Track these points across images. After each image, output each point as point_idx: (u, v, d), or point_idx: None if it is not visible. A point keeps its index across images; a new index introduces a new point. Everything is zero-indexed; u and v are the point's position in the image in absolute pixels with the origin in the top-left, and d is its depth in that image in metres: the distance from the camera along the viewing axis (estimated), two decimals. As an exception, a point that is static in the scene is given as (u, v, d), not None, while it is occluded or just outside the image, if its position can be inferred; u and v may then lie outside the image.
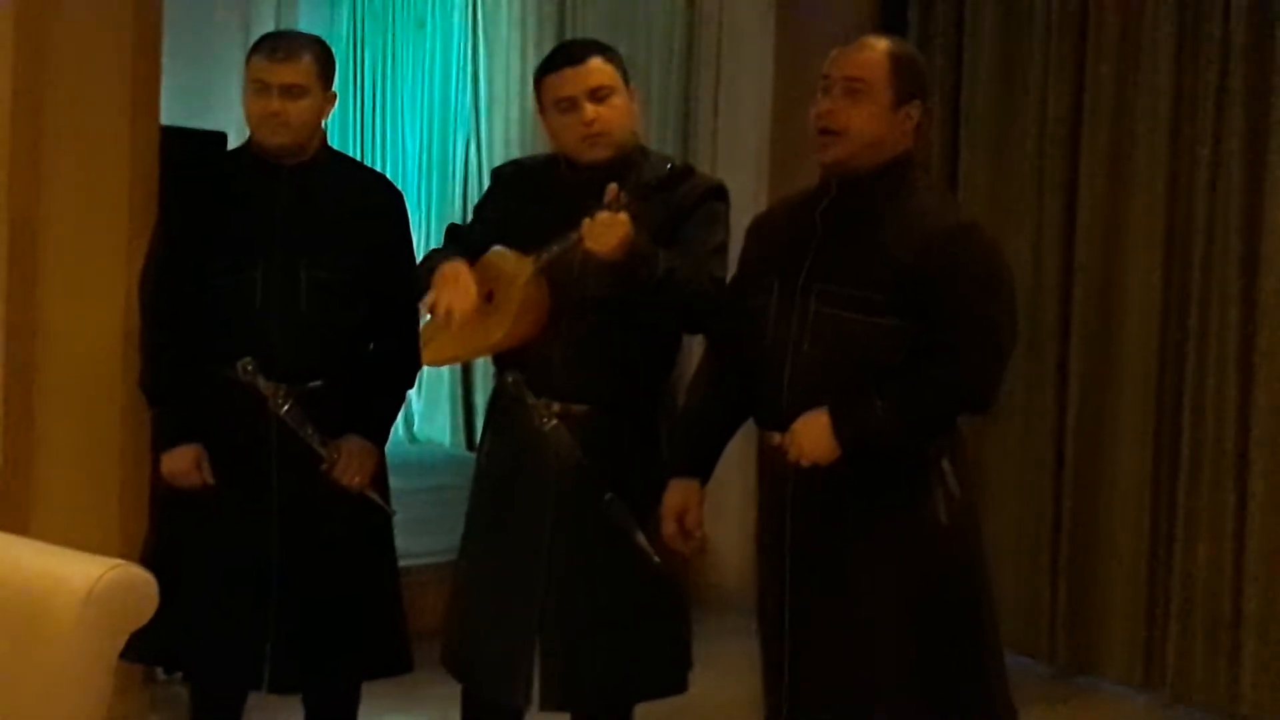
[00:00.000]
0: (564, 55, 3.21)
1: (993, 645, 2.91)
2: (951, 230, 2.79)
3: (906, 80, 2.82)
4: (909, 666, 2.79)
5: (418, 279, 3.20)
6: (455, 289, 3.05)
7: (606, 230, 2.88)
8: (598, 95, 3.11)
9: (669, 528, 3.02)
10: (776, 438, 2.84)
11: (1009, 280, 2.86)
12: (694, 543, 3.04)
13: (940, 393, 2.76)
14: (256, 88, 3.31)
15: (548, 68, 3.19)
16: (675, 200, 3.10)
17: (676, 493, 3.02)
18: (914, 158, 2.89)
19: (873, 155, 2.80)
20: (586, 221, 2.90)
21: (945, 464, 2.79)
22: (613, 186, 2.91)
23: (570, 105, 3.11)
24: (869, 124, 2.79)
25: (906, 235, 2.76)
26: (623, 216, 2.88)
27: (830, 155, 2.83)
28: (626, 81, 3.18)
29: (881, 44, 2.86)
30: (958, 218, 2.86)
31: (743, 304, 2.95)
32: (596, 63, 3.14)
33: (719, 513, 5.43)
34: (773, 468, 2.89)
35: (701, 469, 3.06)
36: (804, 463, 2.76)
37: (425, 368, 3.54)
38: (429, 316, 3.20)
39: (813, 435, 2.75)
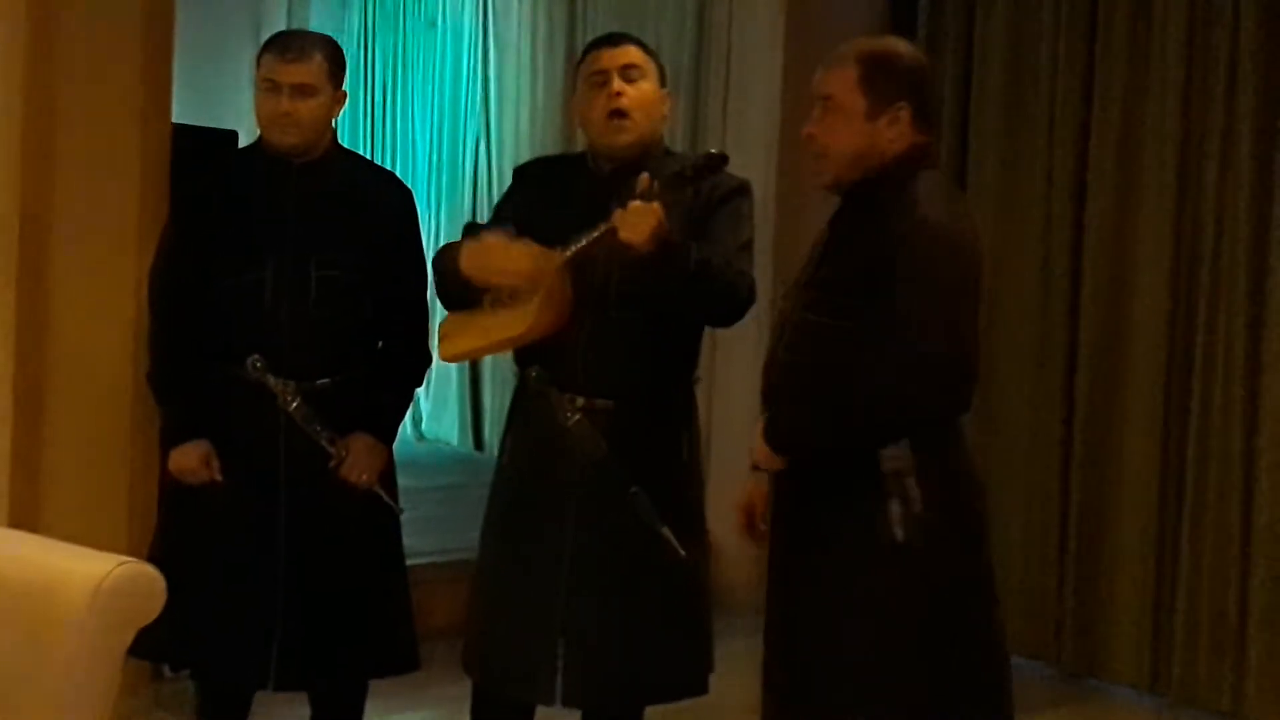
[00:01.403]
0: (607, 38, 3.28)
1: (949, 668, 2.73)
2: (899, 232, 2.66)
3: (881, 85, 2.71)
4: (849, 681, 2.73)
5: (439, 263, 3.17)
6: (506, 257, 3.00)
7: (640, 219, 2.86)
8: (629, 74, 3.14)
9: (739, 519, 3.03)
10: None
11: (958, 285, 2.66)
12: (761, 533, 3.01)
13: (867, 399, 2.66)
14: (267, 87, 3.31)
15: (589, 48, 3.25)
16: (701, 196, 3.10)
17: (750, 485, 3.02)
18: (917, 157, 2.75)
19: (861, 167, 2.73)
20: (619, 211, 2.88)
21: (909, 480, 2.66)
22: (645, 176, 2.89)
23: (601, 79, 3.14)
24: (845, 141, 2.72)
25: (871, 236, 2.70)
26: (655, 206, 2.87)
27: (820, 180, 2.79)
28: (663, 83, 3.21)
29: (853, 52, 2.75)
30: (918, 217, 2.68)
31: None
32: (634, 49, 3.19)
33: (727, 513, 5.47)
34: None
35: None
36: (762, 468, 2.79)
37: (433, 366, 3.54)
38: (445, 312, 3.20)
39: (759, 442, 2.77)
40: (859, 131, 2.72)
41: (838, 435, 2.70)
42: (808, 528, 2.80)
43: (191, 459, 3.30)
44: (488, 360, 7.76)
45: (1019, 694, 2.98)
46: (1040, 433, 5.05)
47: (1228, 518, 4.59)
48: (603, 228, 2.92)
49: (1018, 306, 5.10)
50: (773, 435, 2.75)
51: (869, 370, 2.62)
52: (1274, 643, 4.49)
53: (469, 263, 3.04)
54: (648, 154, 3.15)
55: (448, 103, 8.37)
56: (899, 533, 2.65)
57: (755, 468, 2.85)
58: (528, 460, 3.23)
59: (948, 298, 2.62)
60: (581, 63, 3.23)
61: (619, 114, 3.12)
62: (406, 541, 3.53)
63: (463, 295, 3.11)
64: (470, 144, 8.18)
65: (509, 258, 3.00)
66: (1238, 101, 4.59)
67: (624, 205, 2.88)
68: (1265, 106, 4.55)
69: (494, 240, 3.04)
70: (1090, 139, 4.96)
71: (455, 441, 8.22)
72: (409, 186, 3.64)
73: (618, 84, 3.12)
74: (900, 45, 2.84)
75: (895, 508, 2.66)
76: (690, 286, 2.96)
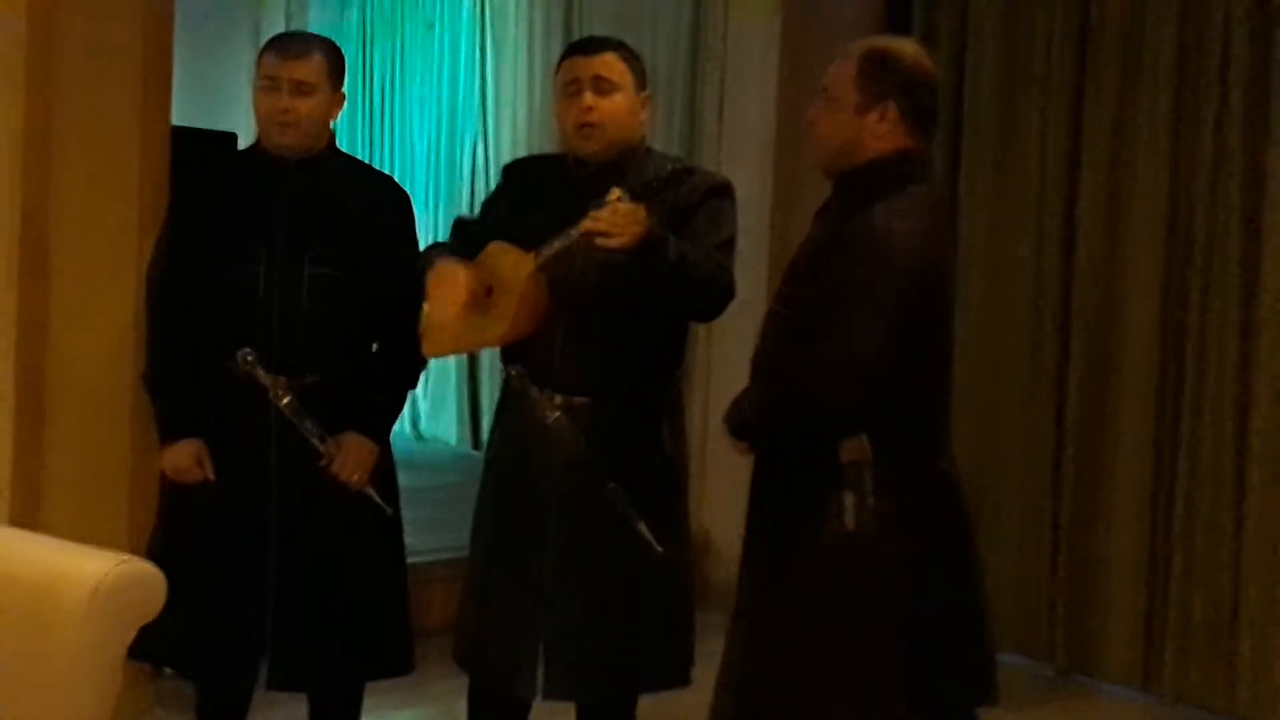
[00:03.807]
0: (582, 44, 3.31)
1: (887, 662, 2.76)
2: (845, 232, 2.75)
3: (875, 82, 2.79)
4: (789, 666, 2.80)
5: (417, 273, 3.22)
6: (446, 291, 3.08)
7: (629, 222, 2.89)
8: (600, 86, 3.15)
9: None
10: None
11: (890, 287, 2.68)
12: None
13: (785, 393, 2.78)
14: (267, 84, 3.32)
15: (566, 53, 3.27)
16: (680, 198, 3.12)
17: None
18: (904, 162, 2.80)
19: (845, 159, 2.82)
20: (604, 216, 2.89)
21: (866, 473, 2.73)
22: (615, 191, 2.93)
23: (575, 90, 3.17)
24: (835, 130, 2.82)
25: (826, 232, 2.80)
26: (640, 207, 2.91)
27: (816, 162, 2.90)
28: (641, 87, 3.22)
29: (857, 49, 2.84)
30: (866, 221, 2.73)
31: None
32: (609, 57, 3.19)
33: (718, 509, 5.48)
34: None
35: None
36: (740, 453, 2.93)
37: (430, 366, 3.55)
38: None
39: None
40: (847, 124, 2.80)
41: (766, 423, 2.84)
42: (769, 519, 2.88)
43: (183, 458, 3.31)
44: (485, 360, 7.78)
45: (1011, 691, 3.01)
46: (1033, 429, 5.06)
47: (1220, 514, 4.60)
48: (573, 232, 2.95)
49: (1011, 304, 5.11)
50: (726, 417, 2.88)
51: (791, 363, 2.75)
52: (1266, 640, 4.51)
53: (430, 285, 3.12)
54: (627, 156, 3.18)
55: (446, 104, 8.38)
56: (849, 521, 2.72)
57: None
58: (511, 457, 3.27)
59: (884, 297, 2.68)
60: (558, 68, 3.25)
61: (588, 126, 3.15)
62: (405, 540, 3.54)
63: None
64: (468, 145, 8.19)
65: (451, 301, 3.07)
66: (1229, 103, 4.61)
67: (597, 210, 2.90)
68: (1256, 104, 4.57)
69: (452, 274, 3.09)
70: (1083, 141, 4.98)
71: (453, 441, 8.23)
72: (406, 190, 3.66)
73: (589, 98, 3.14)
74: (906, 47, 2.89)
75: (849, 497, 2.72)
76: (670, 279, 2.98)
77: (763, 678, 2.83)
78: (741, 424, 2.87)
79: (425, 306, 3.13)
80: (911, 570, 2.76)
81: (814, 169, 2.91)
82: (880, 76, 2.79)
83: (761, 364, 2.89)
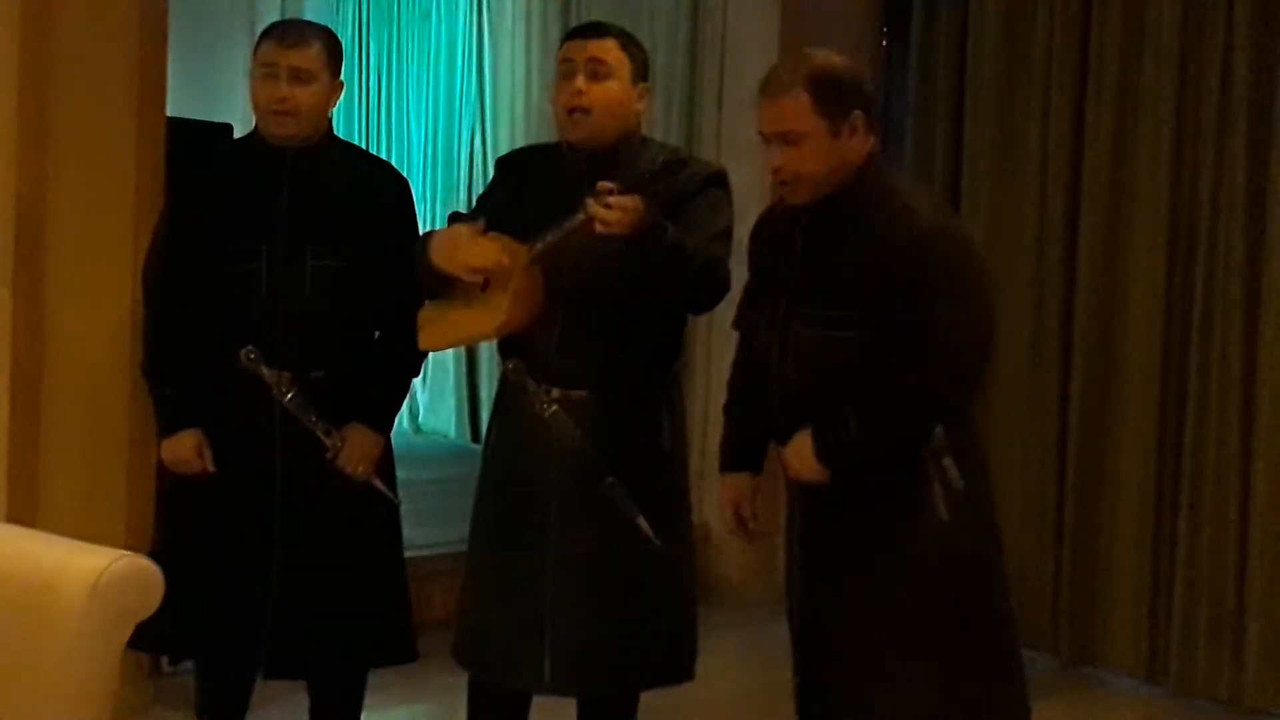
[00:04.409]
0: (584, 28, 3.31)
1: (1004, 641, 2.93)
2: (915, 238, 2.78)
3: (834, 101, 2.82)
4: (911, 665, 2.82)
5: (417, 256, 3.19)
6: (470, 251, 3.04)
7: (624, 213, 2.87)
8: (595, 70, 3.13)
9: (726, 521, 3.14)
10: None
11: (978, 283, 2.87)
12: (751, 531, 3.14)
13: (908, 405, 2.80)
14: (266, 72, 3.30)
15: (567, 36, 3.27)
16: (675, 188, 3.10)
17: (727, 487, 3.15)
18: (877, 155, 2.91)
19: (834, 181, 2.85)
20: (592, 204, 2.88)
21: (946, 460, 2.80)
22: (604, 185, 2.91)
23: (570, 70, 3.16)
24: (817, 163, 2.83)
25: (875, 246, 2.80)
26: (636, 198, 2.89)
27: (799, 200, 2.90)
28: (640, 77, 3.20)
29: (797, 80, 2.84)
30: (925, 222, 2.81)
31: (749, 310, 3.07)
32: (609, 42, 3.18)
33: (719, 503, 5.47)
34: (786, 470, 2.99)
35: (748, 461, 3.15)
36: (804, 480, 2.89)
37: (428, 360, 3.54)
38: (426, 302, 3.21)
39: (800, 458, 2.87)
40: (828, 151, 2.84)
41: (896, 440, 2.81)
42: (851, 522, 2.87)
43: (183, 449, 3.30)
44: (484, 353, 7.77)
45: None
46: (1036, 420, 5.05)
47: (1225, 505, 4.59)
48: (568, 225, 2.94)
49: (1014, 297, 5.09)
50: (830, 451, 2.83)
51: (912, 373, 2.76)
52: (1271, 630, 4.50)
53: (437, 255, 3.07)
54: (622, 145, 3.17)
55: (443, 94, 8.37)
56: (943, 512, 2.79)
57: (792, 480, 2.96)
58: (510, 452, 3.26)
59: (978, 294, 2.82)
60: (560, 48, 3.24)
61: (577, 110, 3.13)
62: (404, 533, 3.53)
63: (434, 285, 3.14)
64: (465, 135, 8.18)
65: (473, 253, 3.03)
66: (1232, 102, 4.59)
67: (590, 203, 2.89)
68: (1259, 106, 4.54)
69: (461, 233, 3.06)
70: (1085, 141, 4.95)
71: (452, 434, 8.23)
72: (405, 176, 3.64)
73: (581, 81, 3.13)
74: (833, 57, 2.93)
75: (938, 489, 2.80)
76: (666, 267, 2.97)
77: (877, 685, 2.86)
78: (854, 453, 2.82)
79: (468, 271, 3.08)
80: (994, 549, 2.91)
81: (799, 206, 2.91)
82: (837, 95, 2.84)
83: (854, 392, 2.81)
